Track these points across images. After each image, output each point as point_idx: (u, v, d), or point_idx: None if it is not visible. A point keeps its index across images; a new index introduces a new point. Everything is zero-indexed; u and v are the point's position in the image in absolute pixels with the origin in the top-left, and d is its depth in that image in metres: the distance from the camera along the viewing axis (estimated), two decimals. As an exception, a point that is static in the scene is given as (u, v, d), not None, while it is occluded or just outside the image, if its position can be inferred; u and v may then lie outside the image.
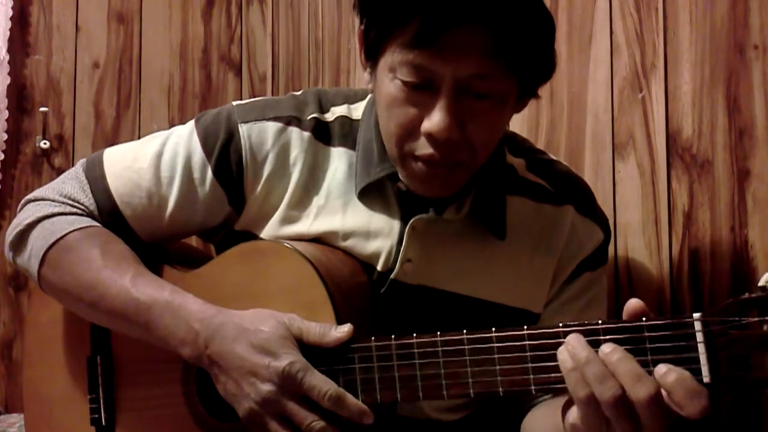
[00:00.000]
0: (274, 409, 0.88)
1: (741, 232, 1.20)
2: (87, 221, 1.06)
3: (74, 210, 1.07)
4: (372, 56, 0.95)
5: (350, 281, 0.99)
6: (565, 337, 0.78)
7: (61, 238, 1.03)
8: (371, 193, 1.03)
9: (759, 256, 1.17)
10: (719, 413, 1.19)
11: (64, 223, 1.05)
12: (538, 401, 1.06)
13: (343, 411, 0.87)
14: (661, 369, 0.72)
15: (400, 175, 0.99)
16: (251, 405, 0.88)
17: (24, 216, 1.08)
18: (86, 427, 1.08)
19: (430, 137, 0.91)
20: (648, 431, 0.73)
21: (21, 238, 1.07)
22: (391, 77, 0.91)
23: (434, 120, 0.89)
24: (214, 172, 1.05)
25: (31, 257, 1.05)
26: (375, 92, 0.97)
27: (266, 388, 0.87)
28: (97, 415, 1.07)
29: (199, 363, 0.94)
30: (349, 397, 0.88)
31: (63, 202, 1.08)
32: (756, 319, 0.72)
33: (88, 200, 1.07)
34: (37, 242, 1.05)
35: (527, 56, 0.90)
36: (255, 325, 0.90)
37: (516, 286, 1.05)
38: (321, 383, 0.87)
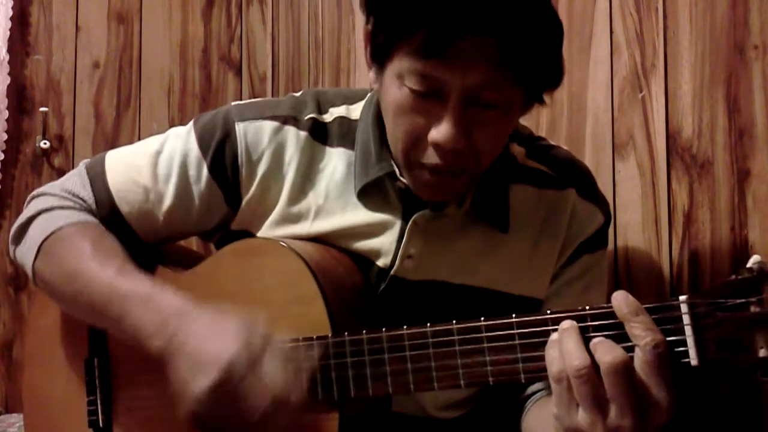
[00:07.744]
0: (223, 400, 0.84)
1: (741, 232, 1.19)
2: (84, 216, 1.07)
3: (74, 204, 1.08)
4: (379, 59, 0.94)
5: (344, 278, 0.99)
6: (553, 325, 0.77)
7: (57, 230, 1.04)
8: (371, 193, 1.03)
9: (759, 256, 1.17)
10: (720, 406, 1.19)
11: (61, 217, 1.06)
12: (536, 395, 1.05)
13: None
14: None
15: (404, 179, 0.99)
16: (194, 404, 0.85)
17: (27, 211, 1.10)
18: (84, 429, 1.08)
19: (437, 147, 0.90)
20: (618, 420, 0.72)
21: (21, 231, 1.09)
22: (398, 84, 0.91)
23: (442, 130, 0.89)
24: (210, 169, 1.05)
25: (28, 249, 1.06)
26: (381, 95, 0.96)
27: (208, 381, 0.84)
28: (94, 417, 1.07)
29: (165, 354, 0.90)
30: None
31: (63, 197, 1.09)
32: (743, 300, 0.71)
33: (87, 195, 1.08)
34: (35, 234, 1.06)
35: (535, 65, 0.89)
36: (221, 324, 0.88)
37: (521, 274, 1.04)
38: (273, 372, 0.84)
